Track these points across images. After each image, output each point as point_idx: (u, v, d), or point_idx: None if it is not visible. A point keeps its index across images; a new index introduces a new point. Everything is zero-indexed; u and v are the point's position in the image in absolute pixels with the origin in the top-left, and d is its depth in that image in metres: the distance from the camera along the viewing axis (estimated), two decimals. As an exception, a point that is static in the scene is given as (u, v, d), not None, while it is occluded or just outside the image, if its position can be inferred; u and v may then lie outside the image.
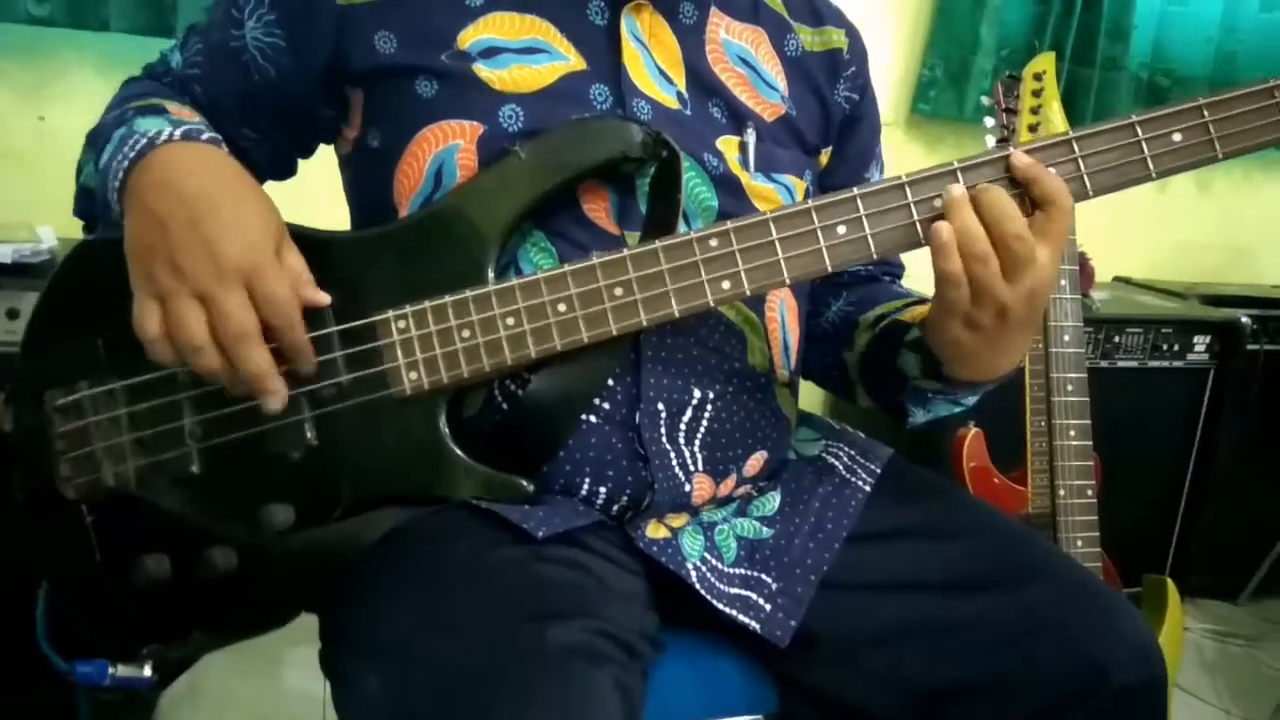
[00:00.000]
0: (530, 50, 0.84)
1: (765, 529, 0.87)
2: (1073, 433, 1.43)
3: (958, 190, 0.75)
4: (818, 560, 0.85)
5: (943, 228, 0.74)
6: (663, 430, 0.83)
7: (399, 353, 0.78)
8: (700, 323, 0.85)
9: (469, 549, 0.76)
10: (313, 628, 0.83)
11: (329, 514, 0.79)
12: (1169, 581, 1.58)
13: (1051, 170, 0.76)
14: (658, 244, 0.78)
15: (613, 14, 0.87)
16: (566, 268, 0.78)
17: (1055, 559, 0.88)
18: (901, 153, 2.20)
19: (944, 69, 2.15)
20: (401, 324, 0.78)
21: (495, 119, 0.82)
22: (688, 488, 0.85)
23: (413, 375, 0.78)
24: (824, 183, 0.98)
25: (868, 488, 0.91)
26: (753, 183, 0.88)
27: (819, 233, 0.77)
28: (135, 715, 0.87)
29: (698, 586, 0.81)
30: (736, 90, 0.90)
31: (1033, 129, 1.46)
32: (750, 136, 0.89)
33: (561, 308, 0.78)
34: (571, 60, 0.85)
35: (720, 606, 0.81)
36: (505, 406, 0.81)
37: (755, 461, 0.89)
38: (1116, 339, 1.99)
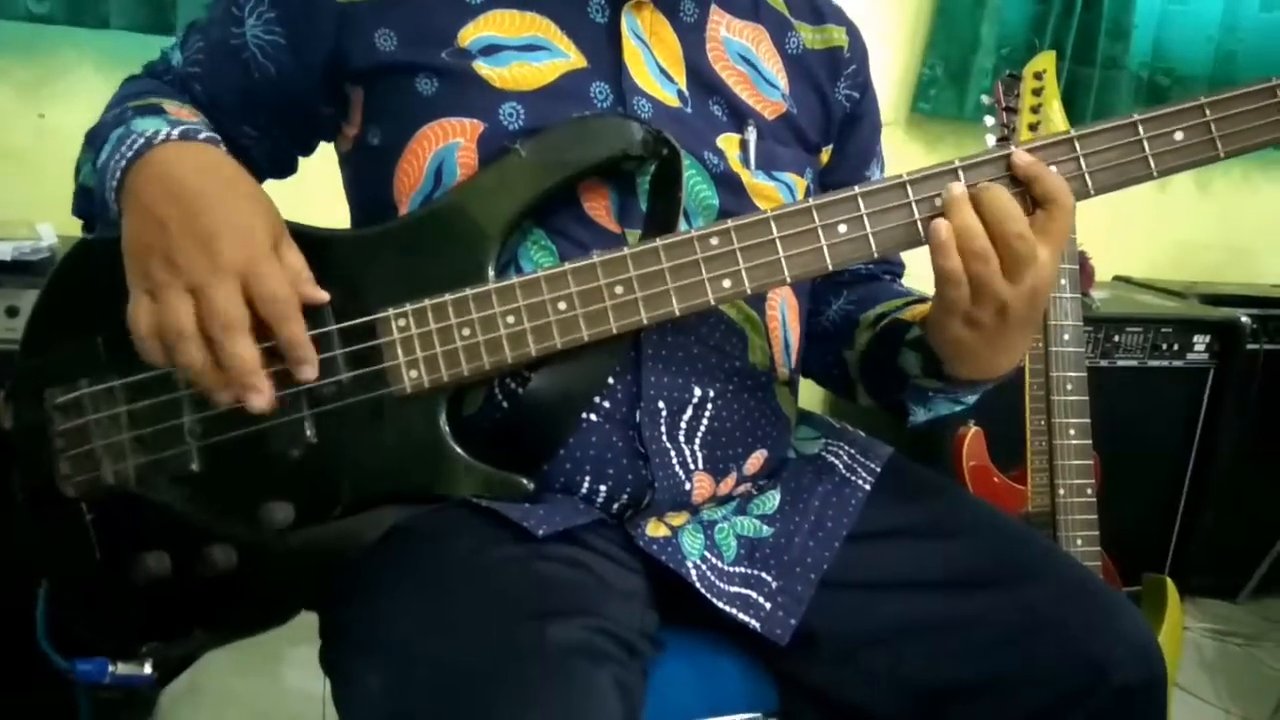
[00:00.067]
0: (531, 48, 0.84)
1: (765, 527, 0.87)
2: (1072, 432, 1.43)
3: (958, 189, 0.75)
4: (818, 559, 0.85)
5: (942, 226, 0.74)
6: (663, 429, 0.83)
7: (399, 351, 0.78)
8: (701, 321, 0.85)
9: (469, 547, 0.76)
10: (313, 626, 0.83)
11: (329, 512, 0.79)
12: (1169, 581, 1.58)
13: (1053, 169, 0.76)
14: (658, 242, 0.78)
15: (613, 12, 0.87)
16: (567, 266, 0.78)
17: (1055, 558, 0.88)
18: (902, 152, 2.19)
19: (944, 68, 2.15)
20: (402, 322, 0.78)
21: (495, 117, 0.82)
22: (688, 486, 0.85)
23: (413, 373, 0.78)
24: (825, 181, 0.98)
25: (868, 486, 0.91)
26: (753, 181, 0.88)
27: (820, 231, 0.77)
28: (135, 713, 0.87)
29: (698, 585, 0.81)
30: (737, 88, 0.90)
31: (1033, 128, 1.46)
32: (751, 134, 0.89)
33: (562, 306, 0.77)
34: (572, 58, 0.85)
35: (720, 605, 0.81)
36: (505, 405, 0.81)
37: (755, 460, 0.89)
38: (1116, 338, 1.99)
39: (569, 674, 0.66)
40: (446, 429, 0.79)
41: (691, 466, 0.85)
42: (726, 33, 0.92)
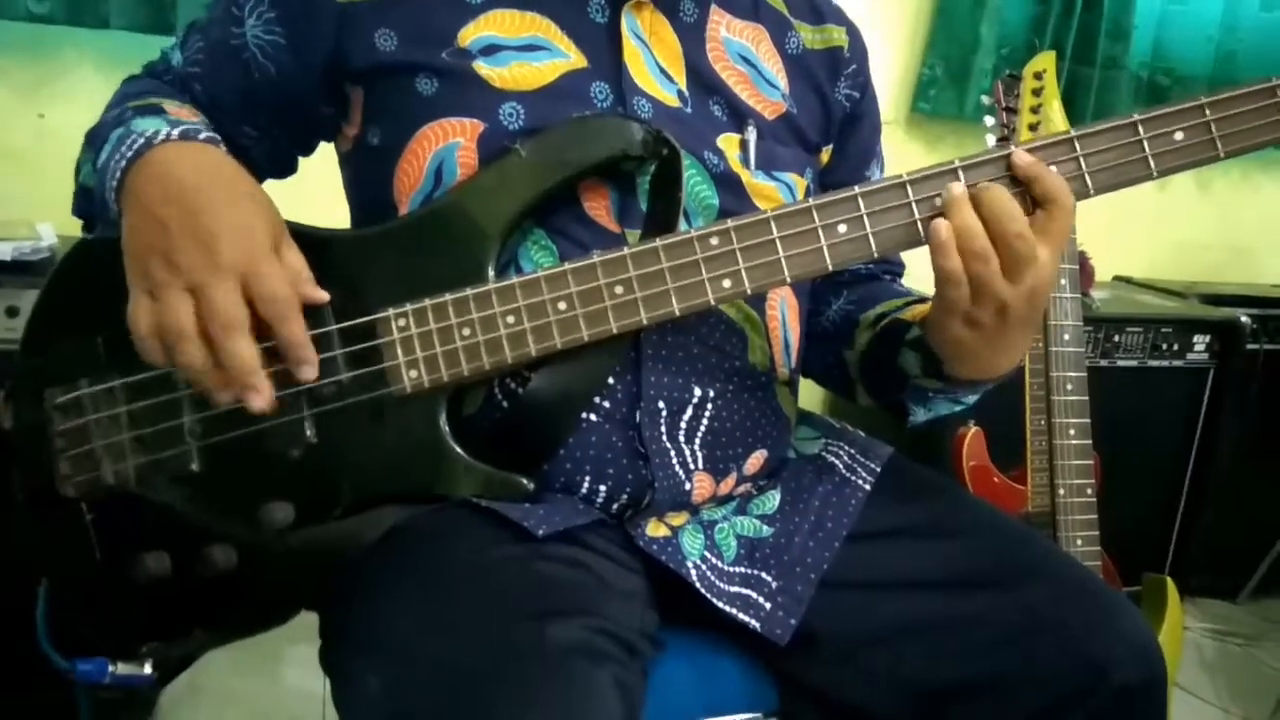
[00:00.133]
0: (531, 48, 0.84)
1: (765, 527, 0.87)
2: (1072, 432, 1.43)
3: (958, 188, 0.75)
4: (818, 559, 0.85)
5: (941, 225, 0.74)
6: (663, 429, 0.83)
7: (399, 351, 0.78)
8: (701, 321, 0.85)
9: (469, 547, 0.76)
10: (313, 626, 0.83)
11: (329, 512, 0.79)
12: (1169, 580, 1.58)
13: (1053, 169, 0.76)
14: (658, 242, 0.78)
15: (613, 12, 0.87)
16: (567, 266, 0.78)
17: (1055, 558, 0.88)
18: (902, 152, 2.19)
19: (944, 68, 2.15)
20: (401, 322, 0.78)
21: (495, 117, 0.82)
22: (688, 486, 0.85)
23: (413, 373, 0.78)
24: (825, 180, 0.98)
25: (868, 486, 0.91)
26: (753, 181, 0.88)
27: (820, 231, 0.77)
28: (135, 713, 0.87)
29: (698, 585, 0.81)
30: (737, 88, 0.90)
31: (1033, 128, 1.46)
32: (751, 134, 0.89)
33: (562, 306, 0.77)
34: (572, 58, 0.85)
35: (720, 605, 0.81)
36: (505, 405, 0.81)
37: (755, 460, 0.89)
38: (1116, 338, 1.99)
39: (569, 674, 0.66)
40: (446, 429, 0.79)
41: (691, 466, 0.85)
42: (726, 33, 0.92)
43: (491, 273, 0.79)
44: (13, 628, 0.86)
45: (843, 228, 0.77)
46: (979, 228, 0.74)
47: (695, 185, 0.85)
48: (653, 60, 0.87)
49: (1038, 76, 1.47)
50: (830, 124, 0.97)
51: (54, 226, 1.52)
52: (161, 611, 0.80)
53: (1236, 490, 2.14)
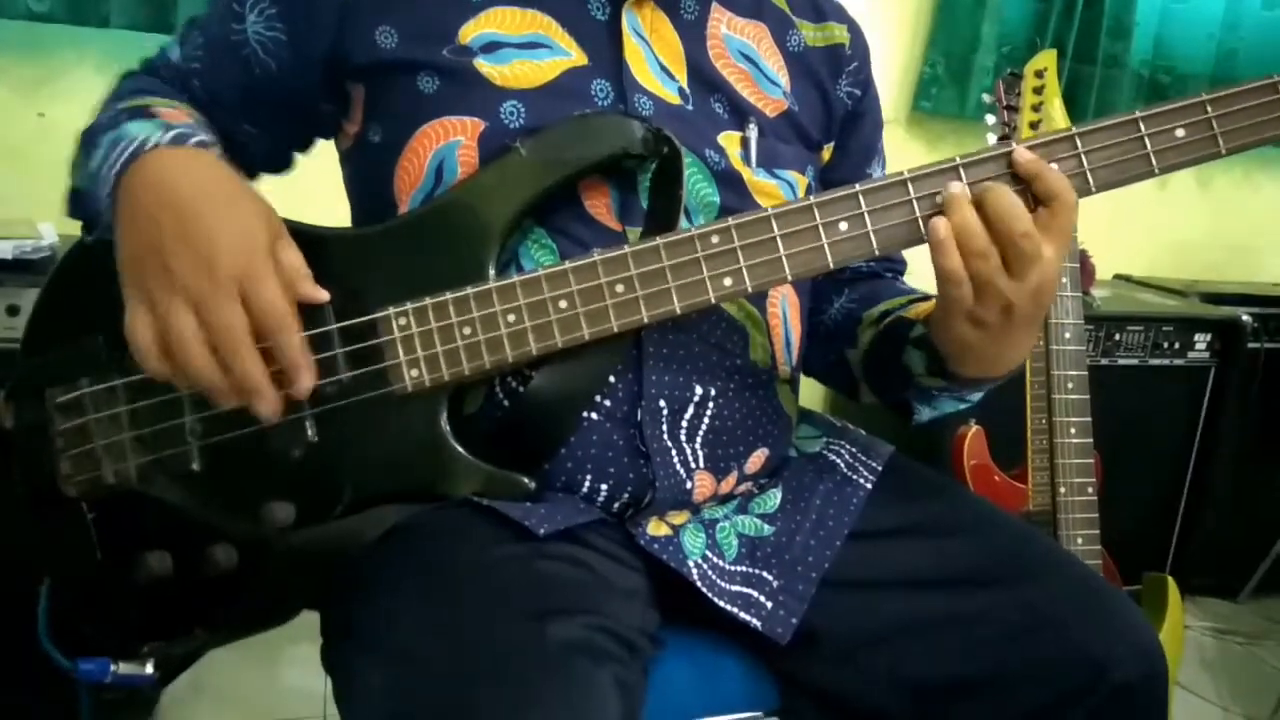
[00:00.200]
0: (532, 45, 0.84)
1: (766, 526, 0.87)
2: (1073, 430, 1.43)
3: (956, 187, 0.75)
4: (819, 558, 0.85)
5: (940, 224, 0.74)
6: (664, 427, 0.83)
7: (400, 349, 0.78)
8: (702, 319, 0.85)
9: (470, 546, 0.76)
10: (314, 624, 0.83)
11: (330, 511, 0.79)
12: (1169, 579, 1.58)
13: (1054, 166, 0.76)
14: (659, 240, 0.78)
15: (614, 9, 0.86)
16: (568, 264, 0.78)
17: (1056, 556, 0.88)
18: (903, 150, 2.19)
19: (945, 66, 2.15)
20: (402, 321, 0.78)
21: (496, 115, 0.81)
22: (689, 485, 0.85)
23: (414, 372, 0.78)
24: (826, 178, 0.98)
25: (869, 485, 0.91)
26: (755, 178, 0.88)
27: (821, 229, 0.77)
28: (137, 713, 0.87)
29: (699, 584, 0.81)
30: (738, 86, 0.90)
31: (1034, 126, 1.46)
32: (752, 132, 0.89)
33: (563, 304, 0.77)
34: (573, 56, 0.85)
35: (721, 604, 0.81)
36: (507, 404, 0.81)
37: (756, 459, 0.89)
38: (1117, 337, 1.99)
39: (570, 672, 0.66)
40: (447, 428, 0.79)
41: (692, 465, 0.85)
42: (727, 30, 0.92)
43: (492, 271, 0.79)
44: (14, 627, 0.86)
45: (844, 225, 0.77)
46: (978, 226, 0.73)
47: (696, 183, 0.85)
48: (654, 58, 0.87)
49: (1039, 75, 1.47)
50: (832, 121, 0.97)
51: (54, 225, 1.52)
52: (163, 611, 0.80)
53: (1237, 489, 2.14)
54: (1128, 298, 2.18)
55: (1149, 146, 0.77)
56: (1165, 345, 2.03)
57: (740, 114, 0.89)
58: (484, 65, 0.83)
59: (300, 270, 0.75)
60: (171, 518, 0.79)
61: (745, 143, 0.89)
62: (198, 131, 0.79)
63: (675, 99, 0.87)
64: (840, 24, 0.99)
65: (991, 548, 0.85)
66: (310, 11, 0.84)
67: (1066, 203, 0.74)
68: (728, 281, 0.78)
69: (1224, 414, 2.07)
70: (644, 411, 0.82)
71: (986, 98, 1.54)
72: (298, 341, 0.73)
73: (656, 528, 0.83)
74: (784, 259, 0.77)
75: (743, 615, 0.81)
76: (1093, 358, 1.95)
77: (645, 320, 0.78)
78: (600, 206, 0.83)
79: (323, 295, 0.76)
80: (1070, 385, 1.43)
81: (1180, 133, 0.77)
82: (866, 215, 0.77)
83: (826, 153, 0.98)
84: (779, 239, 0.77)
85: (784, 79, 0.94)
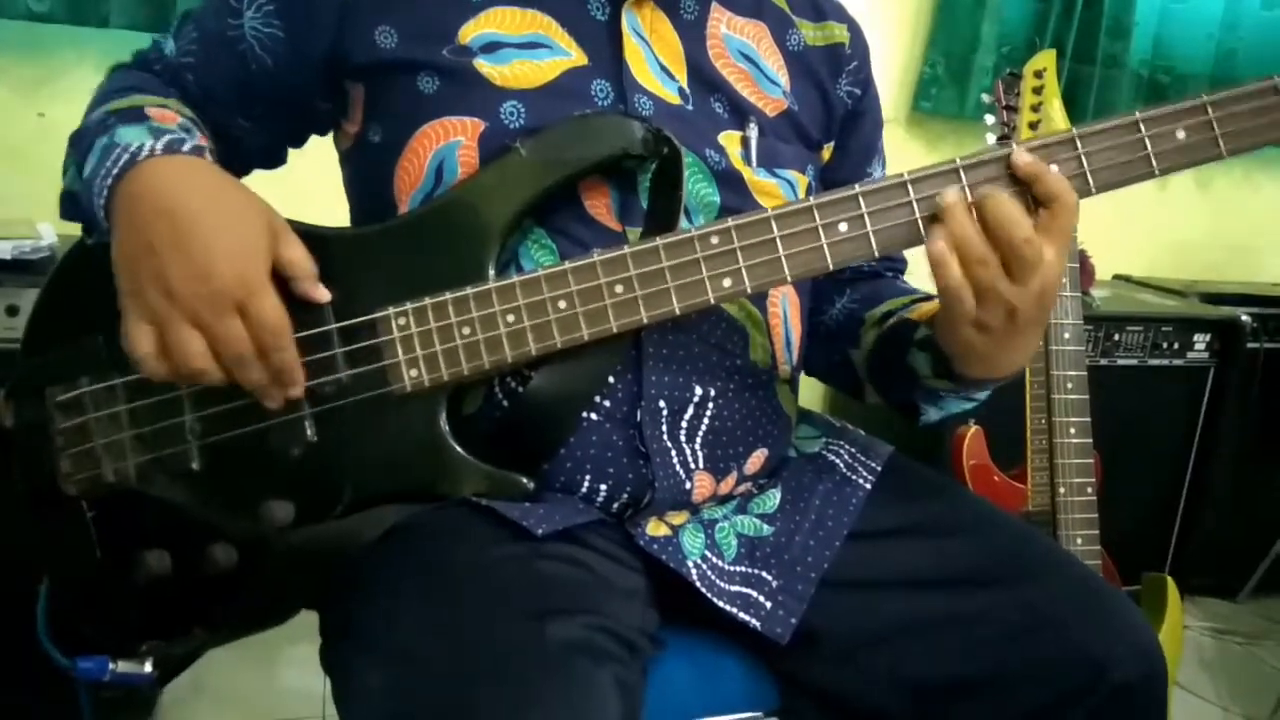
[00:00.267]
0: (532, 45, 0.84)
1: (766, 526, 0.87)
2: (1073, 430, 1.43)
3: (952, 195, 0.75)
4: (818, 558, 0.85)
5: (935, 245, 0.74)
6: (664, 428, 0.83)
7: (399, 349, 0.78)
8: (702, 319, 0.85)
9: (469, 546, 0.76)
10: (313, 624, 0.83)
11: (329, 511, 0.79)
12: (1169, 579, 1.58)
13: (1053, 167, 0.76)
14: (659, 241, 0.78)
15: (614, 9, 0.86)
16: (567, 265, 0.78)
17: (1056, 556, 0.88)
18: (902, 150, 2.19)
19: (945, 66, 2.15)
20: (402, 320, 0.78)
21: (496, 115, 0.81)
22: (688, 485, 0.85)
23: (413, 372, 0.78)
24: (826, 177, 0.98)
25: (868, 485, 0.91)
26: (755, 178, 0.88)
27: (820, 230, 0.77)
28: (136, 712, 0.87)
29: (698, 584, 0.81)
30: (738, 85, 0.90)
31: (1033, 126, 1.46)
32: (753, 131, 0.89)
33: (562, 305, 0.77)
34: (573, 56, 0.85)
35: (721, 604, 0.81)
36: (506, 404, 0.81)
37: (756, 459, 0.89)
38: (1117, 337, 1.99)
39: (569, 672, 0.66)
40: (446, 428, 0.79)
41: (692, 466, 0.85)
42: (727, 30, 0.92)
43: (492, 271, 0.79)
44: (14, 626, 0.86)
45: (843, 226, 0.77)
46: (976, 234, 0.73)
47: (696, 183, 0.85)
48: (653, 58, 0.87)
49: (1038, 75, 1.47)
50: (832, 121, 0.97)
51: (54, 225, 1.52)
52: (162, 610, 0.80)
53: (1236, 489, 2.14)
54: (1127, 298, 2.18)
55: (1149, 148, 0.77)
56: (1165, 345, 2.03)
57: (740, 113, 0.89)
58: (484, 65, 0.83)
59: (304, 268, 0.76)
60: (171, 516, 0.79)
61: (745, 142, 0.88)
62: (190, 135, 0.79)
63: (675, 99, 0.87)
64: (840, 23, 0.99)
65: (991, 548, 0.85)
66: (310, 10, 0.84)
67: (1067, 205, 0.74)
68: (727, 282, 0.78)
69: (1223, 414, 2.07)
70: (643, 412, 0.82)
71: (986, 98, 1.54)
72: (292, 357, 0.74)
73: (656, 528, 0.83)
74: (783, 260, 0.77)
75: (742, 615, 0.81)
76: (1092, 358, 1.95)
77: (644, 321, 0.78)
78: (600, 207, 0.83)
79: (324, 295, 0.77)
80: (1070, 385, 1.43)
81: (1181, 134, 0.77)
82: (866, 216, 0.77)
83: (827, 152, 0.98)
84: (778, 240, 0.77)
85: (784, 78, 0.93)
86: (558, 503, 0.81)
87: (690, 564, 0.82)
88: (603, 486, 0.83)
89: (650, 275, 0.77)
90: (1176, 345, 2.04)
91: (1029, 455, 1.57)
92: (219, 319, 0.71)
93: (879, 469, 0.92)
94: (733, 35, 0.92)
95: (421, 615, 0.72)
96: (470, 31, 0.83)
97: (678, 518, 0.85)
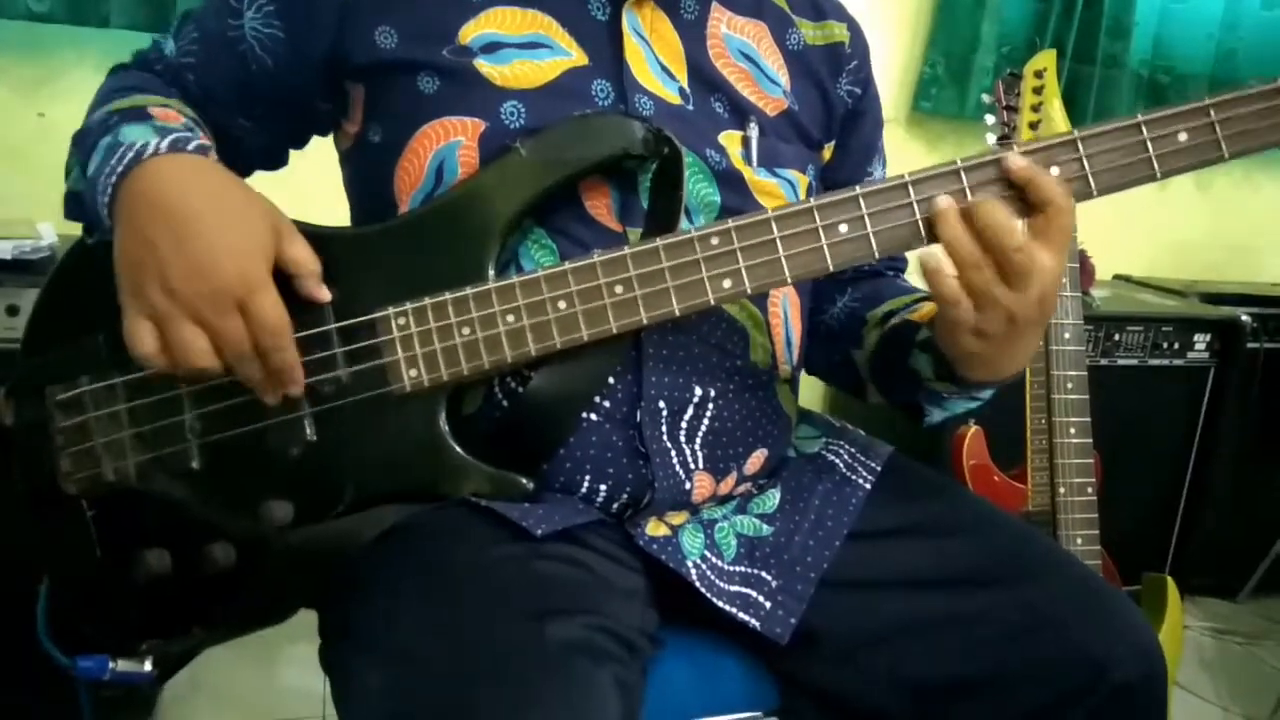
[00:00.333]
0: (532, 45, 0.84)
1: (765, 526, 0.87)
2: (1073, 430, 1.43)
3: (944, 202, 0.75)
4: (818, 558, 0.85)
5: (928, 254, 0.74)
6: (664, 428, 0.83)
7: (399, 349, 0.78)
8: (702, 319, 0.85)
9: (469, 547, 0.76)
10: (312, 624, 0.83)
11: (329, 510, 0.79)
12: (1169, 579, 1.58)
13: (1054, 169, 0.76)
14: (658, 242, 0.78)
15: (614, 9, 0.86)
16: (567, 265, 0.78)
17: (1056, 556, 0.88)
18: (903, 151, 2.19)
19: (945, 66, 2.15)
20: (401, 320, 0.78)
21: (497, 115, 0.81)
22: (688, 486, 0.85)
23: (412, 372, 0.78)
24: (827, 177, 0.98)
25: (868, 485, 0.91)
26: (755, 178, 0.88)
27: (820, 231, 0.77)
28: (136, 711, 0.87)
29: (698, 584, 0.81)
30: (739, 85, 0.90)
31: (1033, 126, 1.46)
32: (753, 131, 0.89)
33: (562, 305, 0.77)
34: (574, 56, 0.85)
35: (720, 604, 0.81)
36: (506, 404, 0.81)
37: (756, 459, 0.89)
38: (1117, 337, 1.99)
39: (569, 672, 0.66)
40: (446, 428, 0.79)
41: (692, 466, 0.85)
42: (727, 29, 0.92)
43: (491, 271, 0.79)
44: (14, 626, 0.86)
45: (844, 227, 0.77)
46: (968, 239, 0.73)
47: (697, 183, 0.85)
48: (654, 58, 0.87)
49: (1038, 75, 1.47)
50: (832, 120, 0.97)
51: (54, 225, 1.52)
52: (161, 609, 0.81)
53: (1236, 489, 2.14)
54: (1127, 298, 2.18)
55: (1151, 150, 0.76)
56: (1165, 345, 2.03)
57: (741, 113, 0.89)
58: (484, 65, 0.83)
59: (307, 266, 0.76)
60: (170, 515, 0.79)
61: (746, 142, 0.88)
62: (194, 134, 0.79)
63: (675, 99, 0.87)
64: (840, 22, 0.99)
65: (991, 548, 0.85)
66: (310, 11, 0.84)
67: (1061, 208, 0.74)
68: (727, 283, 0.78)
69: (1223, 414, 2.07)
70: (643, 412, 0.82)
71: (986, 98, 1.54)
72: (291, 356, 0.74)
73: (655, 528, 0.83)
74: (784, 261, 0.77)
75: (741, 615, 0.81)
76: (1092, 358, 1.95)
77: (644, 321, 0.78)
78: (600, 207, 0.83)
79: (326, 294, 0.77)
80: (1070, 385, 1.43)
81: (1183, 136, 0.76)
82: (867, 218, 0.77)
83: (827, 152, 0.98)
84: (779, 240, 0.77)
85: (784, 78, 0.93)
86: (557, 503, 0.81)
87: (690, 564, 0.82)
88: (602, 487, 0.83)
89: (650, 276, 0.77)
90: (1176, 345, 2.04)
91: (1029, 455, 1.57)
92: (220, 316, 0.71)
93: (879, 469, 0.92)
94: (733, 35, 0.92)
95: (421, 615, 0.72)
96: (470, 31, 0.83)
97: (677, 518, 0.85)
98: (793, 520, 0.87)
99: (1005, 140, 1.50)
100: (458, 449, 0.79)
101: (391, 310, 0.78)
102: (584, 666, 0.67)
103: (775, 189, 0.90)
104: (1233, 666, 2.07)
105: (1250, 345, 2.08)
